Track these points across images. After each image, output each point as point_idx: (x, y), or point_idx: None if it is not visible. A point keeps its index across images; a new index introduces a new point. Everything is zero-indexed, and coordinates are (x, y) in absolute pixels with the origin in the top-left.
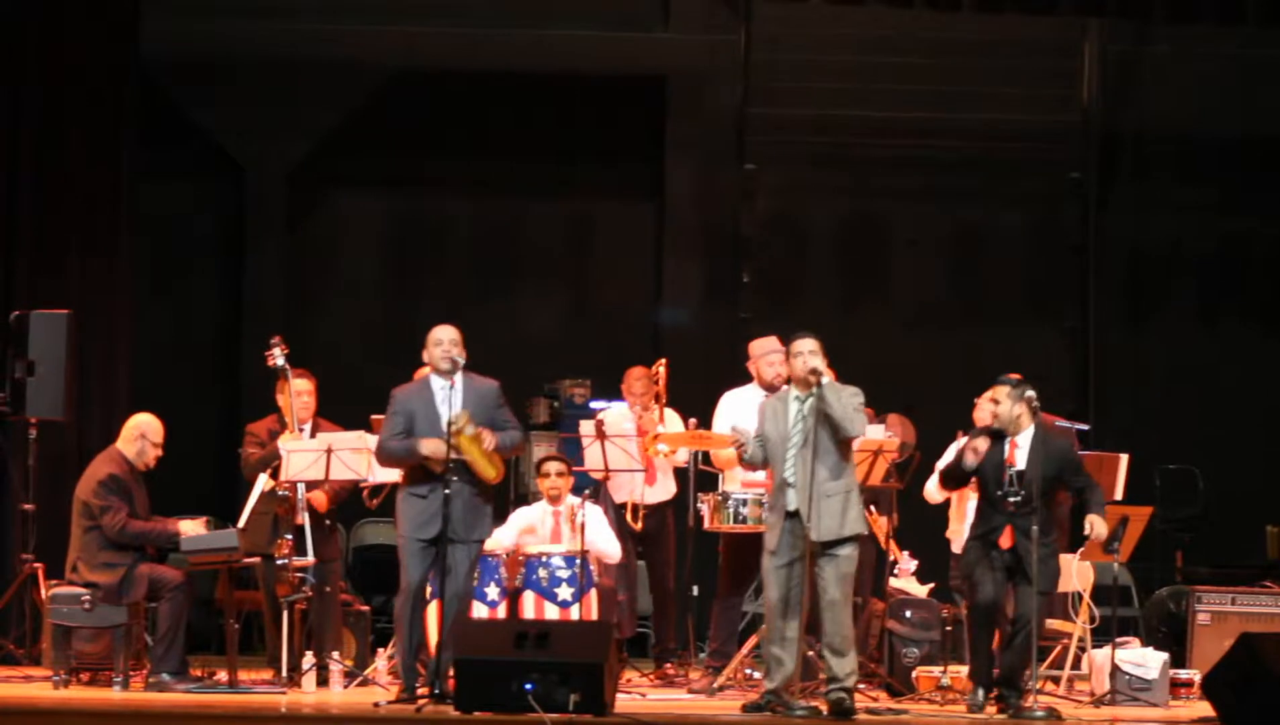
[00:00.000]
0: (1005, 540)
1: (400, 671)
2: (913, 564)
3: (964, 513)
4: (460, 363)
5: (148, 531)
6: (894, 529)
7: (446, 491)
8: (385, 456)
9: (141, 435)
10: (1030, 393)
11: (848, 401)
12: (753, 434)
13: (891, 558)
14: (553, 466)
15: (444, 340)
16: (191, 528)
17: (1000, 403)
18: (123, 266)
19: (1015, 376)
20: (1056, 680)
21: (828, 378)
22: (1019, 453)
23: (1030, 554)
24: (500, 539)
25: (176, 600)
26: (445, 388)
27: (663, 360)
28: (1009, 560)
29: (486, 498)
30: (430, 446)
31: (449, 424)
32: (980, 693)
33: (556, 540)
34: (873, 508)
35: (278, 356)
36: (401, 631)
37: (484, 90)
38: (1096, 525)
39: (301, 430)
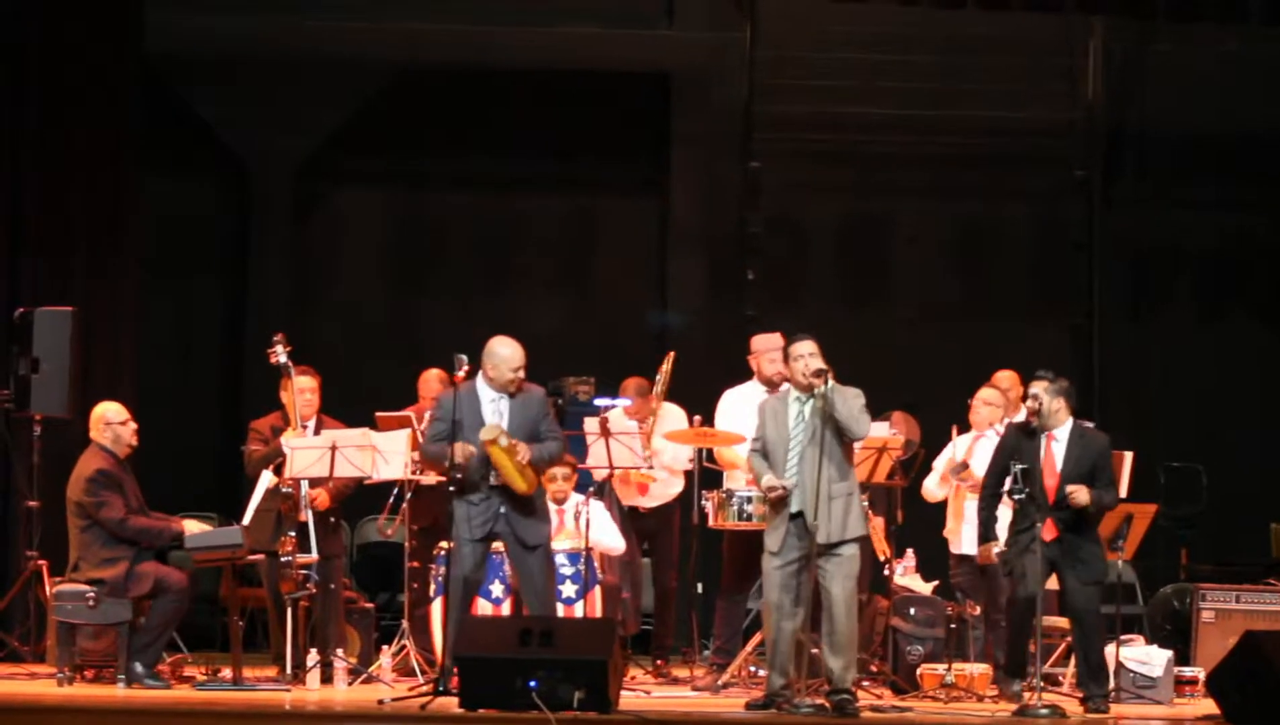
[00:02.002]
0: (1048, 533)
1: (442, 662)
2: (911, 560)
3: (962, 511)
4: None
5: (149, 528)
6: (890, 528)
7: (499, 502)
8: (424, 457)
9: (106, 423)
10: (1065, 383)
11: (853, 402)
12: (753, 436)
13: (883, 557)
14: (559, 470)
15: (518, 364)
16: (196, 528)
17: (1040, 398)
18: (127, 264)
19: (1048, 372)
20: (1061, 678)
21: (830, 382)
22: (1056, 446)
23: (1074, 543)
24: None
25: (176, 600)
26: (495, 399)
27: (670, 354)
28: (1053, 553)
29: (539, 504)
30: (461, 451)
31: (483, 434)
32: (1015, 683)
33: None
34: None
35: (280, 354)
36: (447, 627)
37: (488, 87)
38: (1079, 494)
39: (305, 427)
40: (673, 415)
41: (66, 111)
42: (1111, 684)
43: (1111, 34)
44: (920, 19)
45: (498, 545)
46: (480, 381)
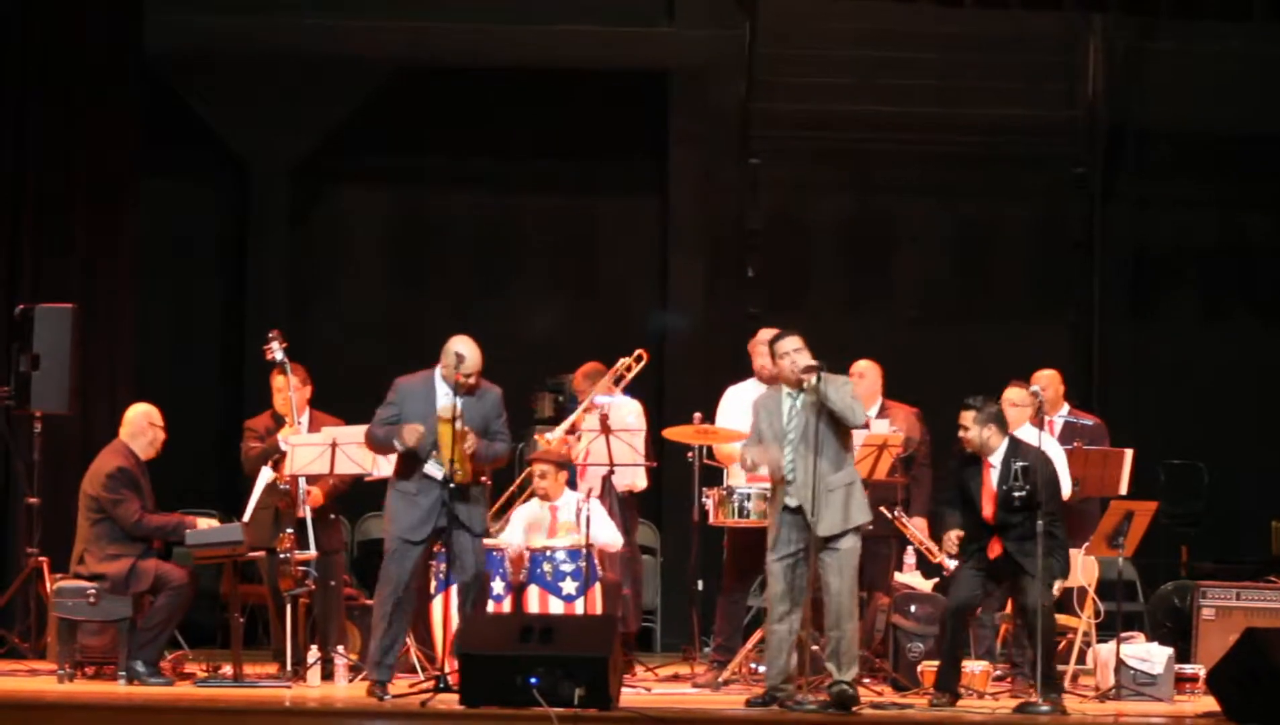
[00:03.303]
0: (993, 550)
1: (369, 668)
2: (954, 563)
3: None
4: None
5: (163, 525)
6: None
7: (451, 486)
8: (370, 440)
9: (151, 423)
10: (994, 408)
11: (844, 391)
12: (748, 433)
13: (933, 559)
14: (537, 467)
15: (471, 369)
16: (207, 525)
17: (969, 428)
18: (127, 262)
19: (978, 398)
20: (1061, 675)
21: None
22: (991, 472)
23: (1028, 552)
24: (509, 538)
25: (177, 597)
26: (449, 395)
27: (642, 354)
28: (999, 564)
29: (477, 493)
30: (409, 432)
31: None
32: (945, 697)
33: (555, 535)
34: (899, 510)
35: (276, 351)
36: (378, 628)
37: (487, 86)
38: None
39: (297, 423)
40: (624, 408)
41: (68, 110)
42: (1111, 681)
43: (1111, 31)
44: (920, 17)
45: (496, 543)
46: (438, 374)
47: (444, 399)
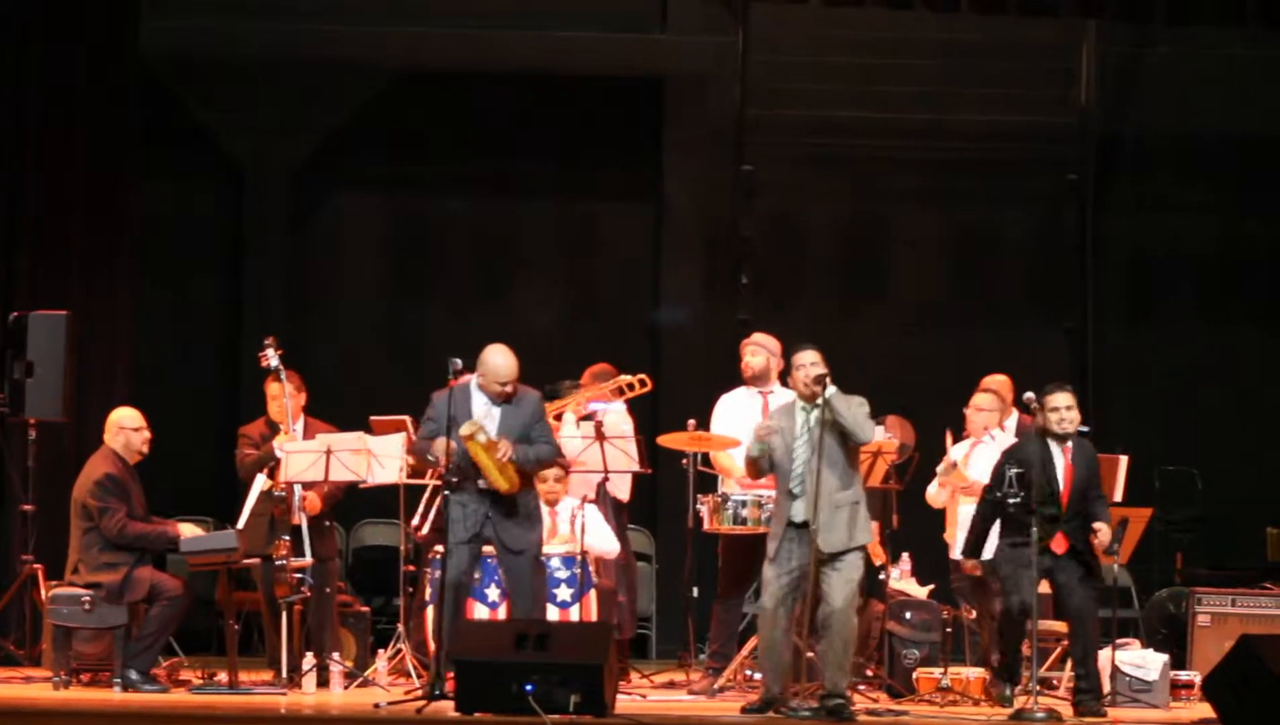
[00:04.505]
0: (1059, 546)
1: (431, 663)
2: (907, 564)
3: (955, 517)
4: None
5: (147, 533)
6: (885, 532)
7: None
8: (415, 455)
9: (120, 428)
10: None
11: (856, 409)
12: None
13: (878, 562)
14: (550, 471)
15: (506, 378)
16: (192, 532)
17: (1072, 408)
18: (124, 267)
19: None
20: (1056, 682)
21: (833, 388)
22: (1069, 456)
23: (1086, 553)
24: None
25: (172, 607)
26: (487, 402)
27: (647, 380)
28: (1054, 563)
29: (526, 508)
30: (440, 445)
31: (462, 429)
32: (1009, 688)
33: (552, 541)
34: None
35: (271, 357)
36: (439, 622)
37: (484, 91)
38: (1102, 533)
39: (292, 430)
40: (615, 414)
41: (64, 113)
42: (1107, 688)
43: (1107, 37)
44: (914, 23)
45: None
46: (474, 383)
47: (479, 408)
